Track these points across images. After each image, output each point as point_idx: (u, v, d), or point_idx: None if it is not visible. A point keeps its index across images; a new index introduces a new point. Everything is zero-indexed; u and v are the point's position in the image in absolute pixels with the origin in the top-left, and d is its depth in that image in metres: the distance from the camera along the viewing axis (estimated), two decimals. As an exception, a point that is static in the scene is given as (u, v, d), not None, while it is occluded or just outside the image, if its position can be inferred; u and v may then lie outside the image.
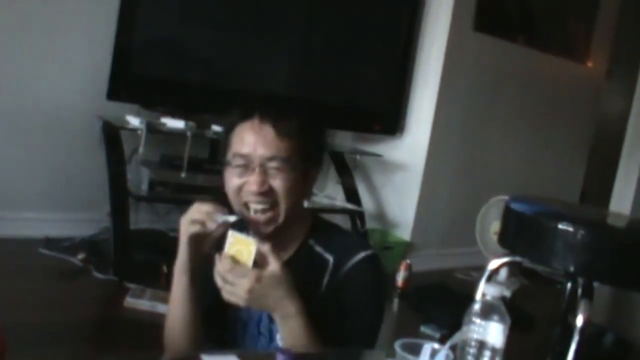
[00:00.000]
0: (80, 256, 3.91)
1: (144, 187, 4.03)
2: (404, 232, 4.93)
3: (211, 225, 1.61)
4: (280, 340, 1.63)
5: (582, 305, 1.60)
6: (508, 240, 1.76)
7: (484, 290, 1.32)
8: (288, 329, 1.59)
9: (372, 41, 4.87)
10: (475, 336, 1.30)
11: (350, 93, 4.82)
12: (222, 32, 4.28)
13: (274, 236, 1.68)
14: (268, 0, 4.46)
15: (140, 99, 4.09)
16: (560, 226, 1.57)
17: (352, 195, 4.79)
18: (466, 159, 5.20)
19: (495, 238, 4.02)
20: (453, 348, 1.27)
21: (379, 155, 4.94)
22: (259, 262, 1.56)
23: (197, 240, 1.64)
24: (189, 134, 3.95)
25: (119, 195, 3.88)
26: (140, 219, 4.30)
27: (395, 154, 4.99)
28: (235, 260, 1.54)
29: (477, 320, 1.30)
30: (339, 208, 4.74)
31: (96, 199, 4.10)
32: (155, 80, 4.09)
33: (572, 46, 5.86)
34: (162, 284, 3.62)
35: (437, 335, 3.63)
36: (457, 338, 1.29)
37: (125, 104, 4.03)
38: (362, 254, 1.69)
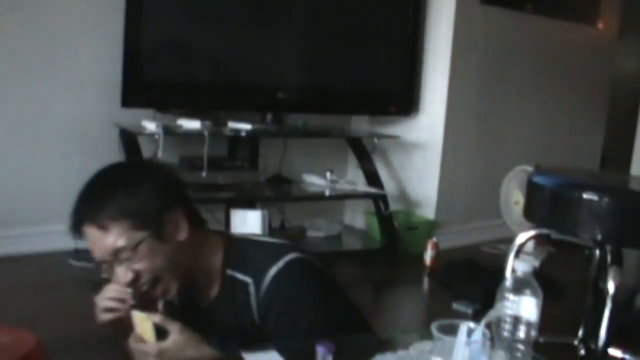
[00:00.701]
0: (110, 265, 3.93)
1: (166, 189, 4.05)
2: (428, 211, 4.93)
3: (122, 310, 1.62)
4: None
5: (612, 272, 1.60)
6: (533, 213, 1.76)
7: (514, 266, 1.33)
8: None
9: (380, 23, 4.86)
10: (509, 312, 1.31)
11: (362, 77, 4.81)
12: (230, 28, 4.29)
13: (192, 284, 1.69)
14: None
15: (154, 103, 4.12)
16: (584, 196, 1.57)
17: (373, 178, 4.80)
18: (483, 132, 5.19)
19: (515, 208, 4.02)
20: (488, 325, 1.28)
21: (396, 137, 4.94)
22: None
23: (118, 323, 1.65)
24: (206, 133, 3.97)
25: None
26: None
27: (412, 134, 4.98)
28: (142, 339, 1.58)
29: (510, 296, 1.31)
30: (361, 193, 4.75)
31: (120, 205, 4.12)
32: (167, 83, 4.12)
33: (582, 9, 5.81)
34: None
35: (470, 311, 3.64)
36: (491, 315, 1.29)
37: (140, 110, 4.06)
38: (272, 270, 1.64)
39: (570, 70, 5.75)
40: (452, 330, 1.28)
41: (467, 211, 5.12)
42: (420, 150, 4.97)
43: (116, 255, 1.58)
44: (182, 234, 1.63)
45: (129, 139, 3.99)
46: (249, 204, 4.28)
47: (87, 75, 4.16)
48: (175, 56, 4.14)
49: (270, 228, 4.14)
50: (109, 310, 1.63)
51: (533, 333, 1.32)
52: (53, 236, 4.09)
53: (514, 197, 4.24)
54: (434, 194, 4.93)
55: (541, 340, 1.36)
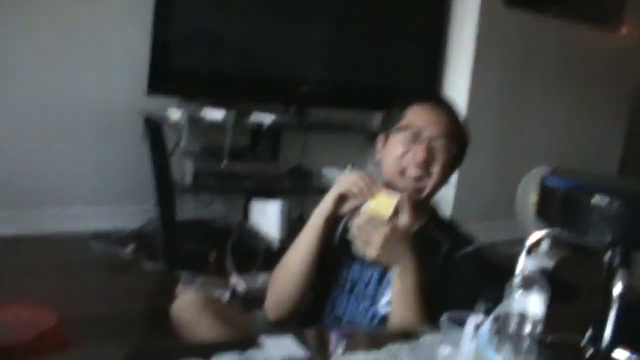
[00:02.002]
0: (130, 248, 4.00)
1: (188, 178, 4.11)
2: (445, 208, 4.93)
3: (366, 193, 1.80)
4: (391, 295, 1.77)
5: (620, 274, 1.64)
6: (545, 214, 1.81)
7: (524, 264, 1.38)
8: (403, 283, 1.74)
9: (405, 21, 4.88)
10: (516, 307, 1.36)
11: (385, 74, 4.84)
12: (258, 20, 4.33)
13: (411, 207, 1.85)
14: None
15: (180, 92, 4.17)
16: (593, 199, 1.61)
17: (391, 175, 4.82)
18: (503, 132, 5.21)
19: (532, 209, 4.03)
20: (496, 319, 1.32)
21: (416, 134, 4.96)
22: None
23: (342, 199, 1.84)
24: (229, 123, 4.02)
25: (165, 187, 3.97)
26: (185, 210, 4.39)
27: (432, 132, 5.00)
28: (372, 214, 1.75)
29: (518, 293, 1.36)
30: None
31: (142, 190, 4.19)
32: (194, 72, 4.17)
33: (605, 15, 5.80)
34: (211, 271, 3.71)
35: (483, 308, 3.67)
36: (499, 310, 1.34)
37: (165, 98, 4.12)
38: (473, 246, 1.89)
39: (592, 74, 5.75)
40: (461, 323, 1.32)
41: (484, 210, 5.15)
42: (440, 148, 4.98)
43: (438, 138, 1.90)
44: (450, 176, 1.97)
45: (154, 126, 4.04)
46: (269, 196, 4.32)
47: (114, 61, 4.22)
48: (203, 46, 4.18)
49: (288, 220, 4.18)
50: (358, 186, 1.81)
51: (539, 329, 1.37)
52: (76, 218, 4.19)
53: (531, 199, 4.25)
54: (451, 192, 4.95)
55: (549, 339, 1.40)
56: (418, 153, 1.87)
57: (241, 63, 4.34)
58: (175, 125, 4.05)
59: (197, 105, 4.18)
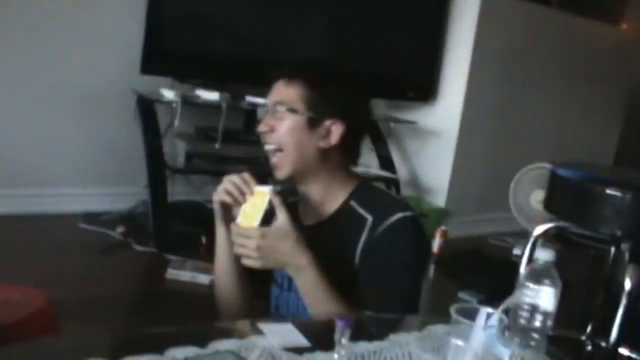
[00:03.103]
0: (120, 229, 3.97)
1: (180, 159, 4.06)
2: (439, 199, 4.93)
3: (239, 197, 1.69)
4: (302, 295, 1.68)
5: (631, 270, 1.60)
6: (554, 206, 1.77)
7: (536, 255, 1.34)
8: (302, 282, 1.65)
9: (404, 8, 4.83)
10: (527, 300, 1.32)
11: (382, 61, 4.79)
12: (253, 2, 4.30)
13: (309, 195, 1.78)
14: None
15: (173, 72, 4.12)
16: (607, 191, 1.57)
17: (386, 162, 4.80)
18: (500, 124, 5.18)
19: (537, 206, 4.01)
20: (506, 312, 1.28)
21: (412, 122, 4.93)
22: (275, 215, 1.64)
23: (227, 207, 1.72)
24: (223, 105, 3.97)
25: (156, 168, 3.92)
26: (177, 191, 4.35)
27: (428, 120, 4.98)
28: (247, 215, 1.64)
29: (529, 285, 1.32)
30: (374, 176, 4.74)
31: (133, 172, 4.15)
32: (188, 52, 4.11)
33: (606, 8, 5.79)
34: (201, 254, 3.68)
35: (475, 300, 3.64)
36: (509, 302, 1.30)
37: (159, 78, 4.06)
38: (399, 215, 1.70)
39: (591, 67, 5.73)
40: (469, 315, 1.28)
41: (478, 202, 5.12)
42: (436, 137, 4.96)
43: (274, 106, 1.74)
44: (323, 144, 1.74)
45: (146, 105, 3.99)
46: (262, 179, 4.26)
47: (108, 40, 4.16)
48: (198, 26, 4.12)
49: (280, 204, 4.13)
50: (228, 193, 1.70)
51: (549, 323, 1.33)
52: (65, 198, 4.14)
53: (535, 196, 4.23)
54: (446, 183, 4.93)
55: (550, 333, 1.36)
56: (260, 125, 1.78)
57: (235, 45, 4.28)
58: (168, 105, 3.99)
59: (190, 86, 4.12)
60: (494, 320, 1.26)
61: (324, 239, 1.72)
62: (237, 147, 4.21)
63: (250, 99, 4.18)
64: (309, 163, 1.75)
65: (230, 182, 1.71)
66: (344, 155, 1.79)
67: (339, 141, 1.74)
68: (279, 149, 1.73)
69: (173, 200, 4.19)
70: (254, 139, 4.32)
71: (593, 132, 6.02)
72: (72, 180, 4.23)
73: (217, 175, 4.57)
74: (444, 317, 1.35)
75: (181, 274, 3.44)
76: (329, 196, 1.78)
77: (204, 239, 3.76)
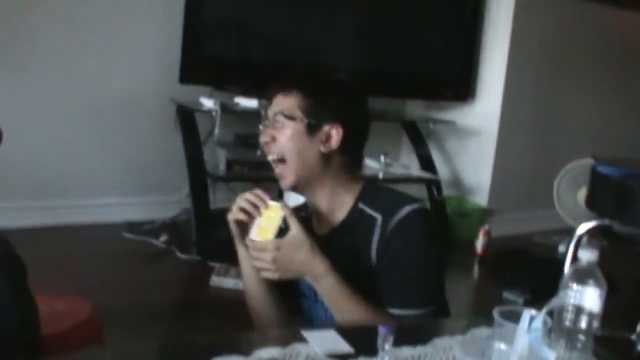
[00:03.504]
0: (163, 238, 3.99)
1: (221, 167, 4.08)
2: (481, 198, 4.90)
3: (254, 213, 1.69)
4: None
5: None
6: (596, 203, 1.74)
7: (579, 255, 1.32)
8: (323, 290, 1.66)
9: (439, 7, 4.83)
10: (572, 301, 1.30)
11: (419, 61, 4.79)
12: (288, 8, 4.30)
13: (317, 204, 1.78)
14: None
15: (212, 81, 4.15)
16: (650, 187, 1.55)
17: (426, 163, 4.78)
18: (539, 120, 5.13)
19: (582, 203, 3.97)
20: (550, 314, 1.27)
21: (451, 122, 4.91)
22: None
23: (244, 225, 1.72)
24: (262, 111, 3.96)
25: (198, 176, 3.95)
26: (219, 199, 4.36)
27: (467, 120, 4.95)
28: (263, 228, 1.65)
29: (574, 285, 1.30)
30: (415, 177, 4.73)
31: (175, 181, 4.18)
32: (225, 61, 4.15)
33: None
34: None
35: (520, 300, 3.60)
36: (554, 303, 1.28)
37: (197, 87, 4.09)
38: (407, 208, 1.70)
39: (630, 59, 5.65)
40: (511, 317, 1.27)
41: (520, 200, 5.08)
42: (475, 136, 4.93)
43: (274, 117, 1.75)
44: (324, 149, 1.74)
45: (187, 115, 4.02)
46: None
47: (146, 50, 4.21)
48: (234, 34, 4.15)
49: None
50: (243, 210, 1.70)
51: (595, 324, 1.31)
52: (108, 208, 4.19)
53: (580, 193, 4.17)
54: (487, 182, 4.89)
55: (598, 333, 1.34)
56: (262, 136, 1.79)
57: (272, 51, 4.30)
58: (208, 114, 4.01)
59: (229, 94, 4.14)
60: (538, 323, 1.25)
61: (339, 245, 1.74)
62: (277, 153, 4.20)
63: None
64: (312, 170, 1.75)
65: (243, 199, 1.71)
66: (346, 159, 1.78)
67: (340, 145, 1.74)
68: (282, 159, 1.74)
69: (215, 208, 4.19)
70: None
71: (635, 126, 5.93)
72: (115, 190, 4.28)
73: (258, 182, 4.61)
74: (488, 320, 1.33)
75: (225, 281, 3.46)
76: (337, 202, 1.78)
77: (246, 246, 3.77)
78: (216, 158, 4.14)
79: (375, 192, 1.82)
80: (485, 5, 4.87)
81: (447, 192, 4.81)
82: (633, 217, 1.60)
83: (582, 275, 1.31)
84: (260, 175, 4.15)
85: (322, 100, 1.76)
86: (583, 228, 1.83)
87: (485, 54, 4.91)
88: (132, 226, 4.14)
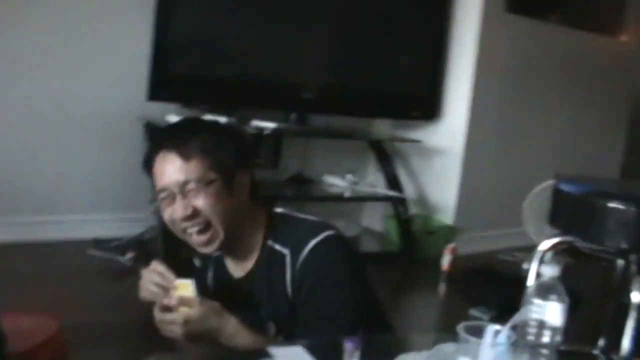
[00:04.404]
0: (129, 255, 3.96)
1: (188, 184, 4.06)
2: (447, 216, 4.93)
3: (163, 294, 1.68)
4: None
5: (637, 283, 1.61)
6: (558, 220, 1.78)
7: (541, 270, 1.35)
8: (239, 343, 1.64)
9: (405, 27, 4.86)
10: (534, 316, 1.32)
11: (385, 80, 4.82)
12: (257, 26, 4.30)
13: (232, 250, 1.77)
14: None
15: (180, 98, 4.15)
16: (610, 204, 1.58)
17: (393, 182, 4.80)
18: (505, 140, 5.19)
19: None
20: (514, 328, 1.29)
21: (417, 141, 4.94)
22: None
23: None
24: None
25: (165, 193, 3.92)
26: (186, 216, 4.35)
27: (434, 139, 4.99)
28: (182, 300, 1.64)
29: (536, 300, 1.32)
30: (381, 196, 4.76)
31: (142, 198, 4.13)
32: (194, 78, 4.14)
33: (605, 21, 5.79)
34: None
35: (487, 317, 3.63)
36: (517, 318, 1.30)
37: (166, 104, 4.09)
38: (311, 243, 1.69)
39: (593, 80, 5.74)
40: (477, 332, 1.29)
41: (486, 218, 5.12)
42: (441, 155, 4.97)
43: (184, 186, 1.66)
44: (244, 195, 1.73)
45: (154, 132, 4.02)
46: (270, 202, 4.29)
47: (114, 67, 4.19)
48: (203, 52, 4.16)
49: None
50: (151, 292, 1.70)
51: (558, 338, 1.33)
52: (74, 225, 4.16)
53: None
54: (454, 200, 4.93)
55: (562, 348, 1.37)
56: (177, 212, 1.68)
57: (241, 69, 4.31)
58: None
59: (198, 111, 4.14)
60: (502, 337, 1.27)
61: (257, 286, 1.74)
62: (245, 170, 4.21)
63: (257, 122, 4.20)
64: (237, 222, 1.72)
65: (150, 282, 1.71)
66: (252, 198, 1.76)
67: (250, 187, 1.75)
68: (207, 225, 1.69)
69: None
70: (261, 163, 4.37)
71: (599, 145, 6.02)
72: (81, 206, 4.25)
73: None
74: (454, 336, 1.35)
75: (191, 298, 3.44)
76: (250, 245, 1.76)
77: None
78: (183, 175, 4.12)
79: (282, 224, 1.78)
80: (451, 26, 4.92)
81: (413, 210, 4.84)
82: (593, 233, 1.64)
83: (544, 291, 1.33)
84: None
85: (222, 152, 1.71)
86: (545, 245, 1.86)
87: (451, 73, 4.95)
88: (98, 243, 4.11)
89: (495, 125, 5.08)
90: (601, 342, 2.42)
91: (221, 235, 1.70)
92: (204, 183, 1.66)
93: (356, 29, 4.69)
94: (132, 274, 3.80)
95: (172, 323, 1.63)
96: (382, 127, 5.26)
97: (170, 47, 4.00)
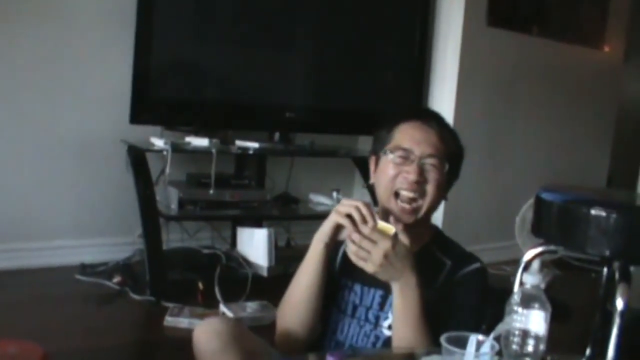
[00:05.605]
0: (116, 279, 3.95)
1: (174, 206, 4.05)
2: (433, 231, 4.92)
3: (360, 225, 1.73)
4: (393, 315, 1.77)
5: (621, 289, 1.61)
6: (541, 230, 1.78)
7: (523, 280, 1.35)
8: (405, 300, 1.73)
9: (387, 44, 4.88)
10: (517, 325, 1.32)
11: (368, 97, 4.82)
12: (238, 48, 4.31)
13: (409, 231, 1.83)
14: (280, 12, 4.47)
15: (162, 121, 4.14)
16: (592, 212, 1.58)
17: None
18: (490, 153, 5.20)
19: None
20: (497, 338, 1.29)
21: (402, 157, 4.94)
22: None
23: (338, 228, 1.80)
24: (213, 151, 3.98)
25: (150, 216, 3.91)
26: (172, 239, 4.35)
27: (418, 154, 4.98)
28: (384, 233, 1.72)
29: (519, 310, 1.32)
30: (367, 212, 4.75)
31: (127, 222, 4.15)
32: (176, 100, 4.13)
33: (587, 32, 5.84)
34: (199, 300, 3.68)
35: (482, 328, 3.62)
36: (500, 328, 1.30)
37: (147, 127, 4.08)
38: (476, 265, 1.92)
39: (577, 92, 5.77)
40: (461, 343, 1.28)
41: (474, 232, 5.11)
42: (427, 170, 4.96)
43: (429, 157, 1.89)
44: (446, 195, 1.99)
45: (137, 155, 4.00)
46: (256, 222, 4.30)
47: (95, 91, 4.19)
48: (184, 74, 4.16)
49: (276, 247, 4.14)
50: (348, 216, 1.74)
51: (541, 347, 1.33)
52: (60, 251, 4.14)
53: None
54: (439, 215, 4.91)
55: (548, 358, 1.37)
56: (410, 175, 1.86)
57: (224, 90, 4.31)
58: (159, 154, 4.00)
59: (180, 133, 4.14)
60: (486, 347, 1.27)
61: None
62: (230, 191, 4.21)
63: (240, 143, 4.21)
64: (431, 213, 1.95)
65: (355, 208, 1.74)
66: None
67: None
68: (421, 197, 1.87)
69: (168, 248, 4.18)
70: (246, 183, 4.38)
71: (585, 156, 6.05)
72: (67, 232, 4.23)
73: (211, 220, 4.62)
74: (438, 348, 1.35)
75: (179, 320, 3.43)
76: (415, 235, 1.84)
77: (200, 285, 3.76)
78: (168, 198, 4.12)
79: (444, 239, 2.02)
80: (432, 41, 4.94)
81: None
82: (576, 241, 1.64)
83: (527, 299, 1.33)
84: (213, 214, 4.15)
85: (460, 154, 2.05)
86: (529, 254, 1.86)
87: (433, 89, 4.97)
88: (85, 268, 4.09)
89: (480, 139, 5.09)
90: (587, 352, 2.42)
91: (422, 213, 1.89)
92: (443, 166, 1.89)
93: (337, 45, 4.69)
94: (119, 298, 3.80)
95: (381, 239, 1.68)
96: (366, 144, 5.25)
97: (152, 70, 3.99)
